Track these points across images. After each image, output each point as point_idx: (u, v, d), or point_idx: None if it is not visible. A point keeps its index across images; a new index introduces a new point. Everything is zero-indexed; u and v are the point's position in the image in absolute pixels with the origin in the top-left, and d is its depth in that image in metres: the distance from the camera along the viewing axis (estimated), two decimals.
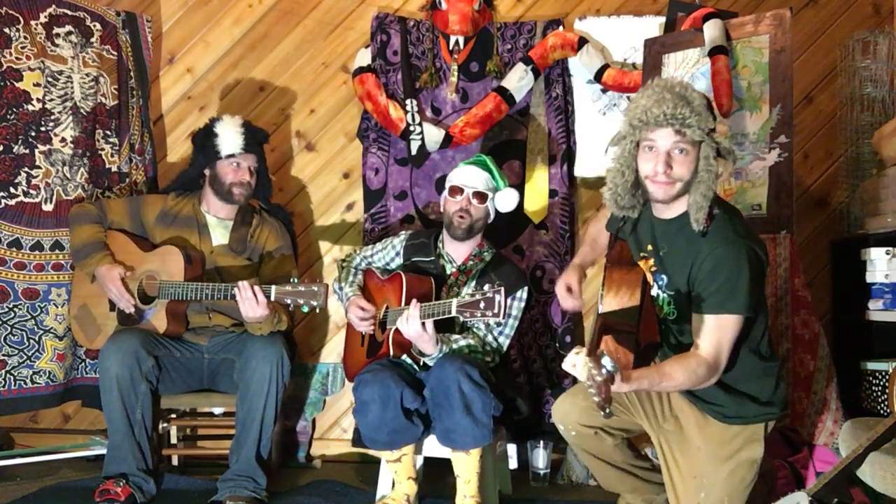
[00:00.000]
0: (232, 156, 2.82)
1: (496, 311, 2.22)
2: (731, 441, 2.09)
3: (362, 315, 2.67)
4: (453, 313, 2.32)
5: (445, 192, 2.74)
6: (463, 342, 2.55)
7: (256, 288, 2.55)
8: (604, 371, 1.70)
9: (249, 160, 2.86)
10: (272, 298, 2.55)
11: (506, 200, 2.71)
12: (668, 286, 2.06)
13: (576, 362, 1.74)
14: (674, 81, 2.01)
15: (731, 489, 2.09)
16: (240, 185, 2.84)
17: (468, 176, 2.69)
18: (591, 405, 2.00)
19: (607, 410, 1.73)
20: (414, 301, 2.41)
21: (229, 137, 2.81)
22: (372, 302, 2.72)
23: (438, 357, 2.47)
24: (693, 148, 1.96)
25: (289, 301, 2.53)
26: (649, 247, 2.12)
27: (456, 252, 2.73)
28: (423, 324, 2.38)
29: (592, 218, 2.75)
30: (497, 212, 2.76)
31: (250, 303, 2.55)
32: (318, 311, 2.54)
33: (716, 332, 1.94)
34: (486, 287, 2.28)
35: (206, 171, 2.88)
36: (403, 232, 2.87)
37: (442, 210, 2.77)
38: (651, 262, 2.11)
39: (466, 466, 2.45)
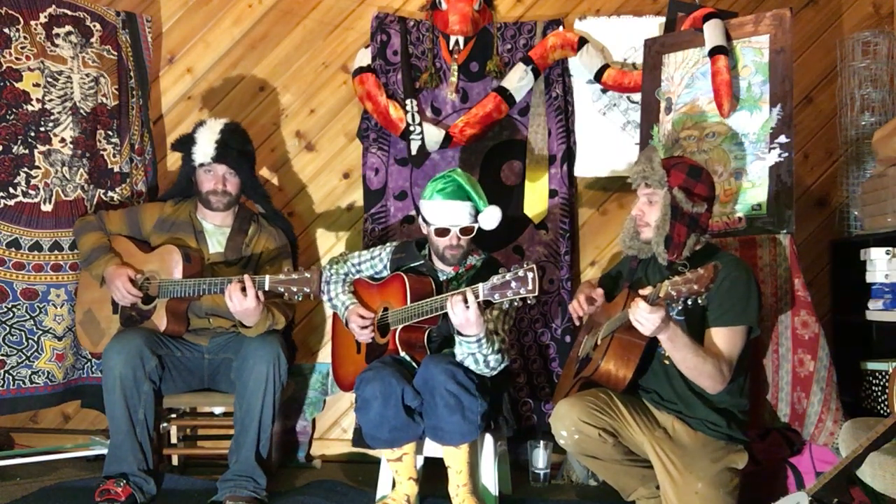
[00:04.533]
0: (203, 164, 2.82)
1: (531, 287, 2.20)
2: (719, 449, 2.31)
3: (363, 323, 2.67)
4: (481, 297, 2.29)
5: (430, 230, 2.62)
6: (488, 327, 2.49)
7: (246, 278, 2.54)
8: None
9: (222, 169, 2.84)
10: (266, 288, 2.54)
11: (489, 220, 2.60)
12: (678, 312, 2.28)
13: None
14: (649, 147, 2.63)
15: (724, 482, 2.27)
16: (214, 194, 2.83)
17: (451, 215, 2.57)
18: (592, 404, 2.24)
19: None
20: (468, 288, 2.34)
21: (202, 146, 2.81)
22: (366, 308, 2.71)
23: (482, 336, 2.40)
24: (660, 199, 2.36)
25: (282, 290, 2.51)
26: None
27: (444, 265, 2.70)
28: (468, 307, 2.32)
29: (584, 283, 2.82)
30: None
31: (236, 296, 2.54)
32: (311, 297, 2.52)
33: (729, 342, 2.25)
34: (514, 266, 2.25)
35: (193, 178, 2.90)
36: (389, 244, 2.81)
37: (427, 238, 2.68)
38: None
39: (456, 458, 2.52)
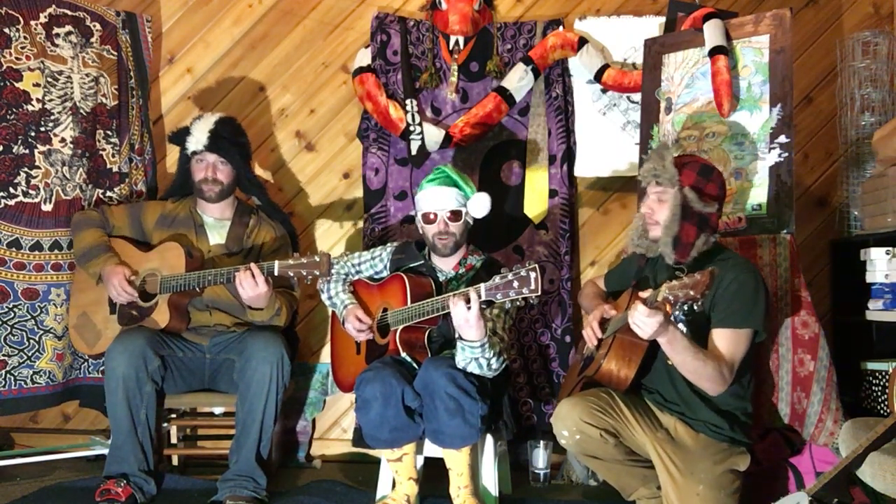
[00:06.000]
0: (195, 153, 2.88)
1: (533, 287, 2.20)
2: (721, 451, 2.29)
3: (360, 326, 2.67)
4: (483, 297, 2.29)
5: (419, 218, 2.68)
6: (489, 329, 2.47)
7: (254, 266, 2.57)
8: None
9: (213, 157, 2.88)
10: (276, 273, 2.56)
11: (479, 206, 2.63)
12: (683, 313, 2.28)
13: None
14: (661, 144, 2.57)
15: (726, 484, 2.27)
16: (205, 182, 2.88)
17: (437, 199, 2.62)
18: (594, 404, 2.24)
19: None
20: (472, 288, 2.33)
21: (196, 136, 2.87)
22: (365, 308, 2.72)
23: (485, 342, 2.38)
24: (671, 198, 2.31)
25: (292, 273, 2.54)
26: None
27: (443, 263, 2.70)
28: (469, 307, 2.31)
29: (588, 282, 2.84)
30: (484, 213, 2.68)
31: (248, 283, 2.56)
32: (321, 281, 2.54)
33: (733, 345, 2.23)
34: (516, 266, 2.25)
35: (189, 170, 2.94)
36: (389, 245, 2.82)
37: (421, 233, 2.71)
38: None
39: (457, 461, 2.52)
